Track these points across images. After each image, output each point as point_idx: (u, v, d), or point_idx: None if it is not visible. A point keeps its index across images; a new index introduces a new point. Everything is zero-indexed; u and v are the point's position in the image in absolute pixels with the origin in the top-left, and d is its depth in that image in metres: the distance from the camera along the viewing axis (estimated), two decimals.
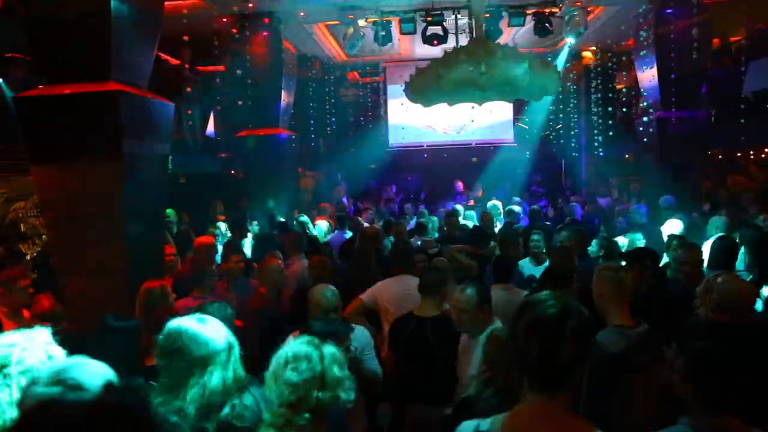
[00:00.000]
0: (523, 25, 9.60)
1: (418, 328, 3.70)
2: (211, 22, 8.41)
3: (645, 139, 9.52)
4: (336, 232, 8.34)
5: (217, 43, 8.16)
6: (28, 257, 7.10)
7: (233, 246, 6.44)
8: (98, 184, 4.59)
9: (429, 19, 9.42)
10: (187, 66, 9.45)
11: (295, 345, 2.04)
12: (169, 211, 7.62)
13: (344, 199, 12.05)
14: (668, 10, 8.74)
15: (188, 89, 8.90)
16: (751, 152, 9.07)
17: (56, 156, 4.59)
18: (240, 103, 9.13)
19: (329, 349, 2.05)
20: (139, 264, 4.76)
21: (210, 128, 11.12)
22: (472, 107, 12.44)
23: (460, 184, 13.86)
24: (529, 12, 9.42)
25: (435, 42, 9.41)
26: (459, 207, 9.96)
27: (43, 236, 8.09)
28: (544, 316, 1.59)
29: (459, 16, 9.37)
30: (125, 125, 4.59)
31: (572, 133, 14.09)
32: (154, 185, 5.20)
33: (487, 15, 8.83)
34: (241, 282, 5.30)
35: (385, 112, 14.74)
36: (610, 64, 12.73)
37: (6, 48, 7.74)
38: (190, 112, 8.83)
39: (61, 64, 4.52)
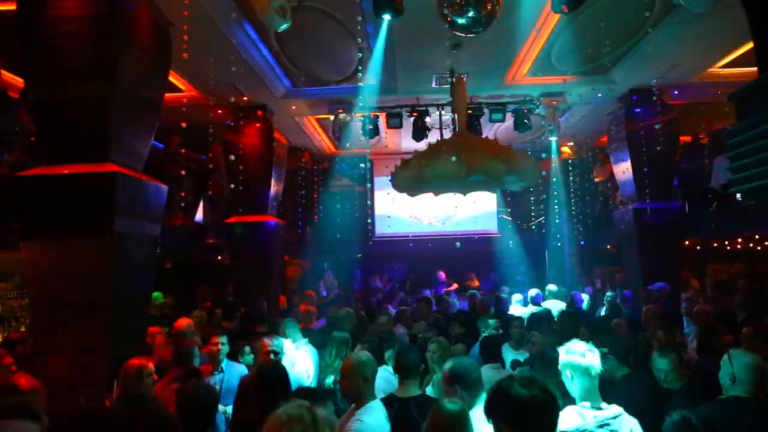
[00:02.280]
0: (503, 120, 10.16)
1: (402, 410, 3.66)
2: (206, 111, 8.81)
3: (623, 229, 9.83)
4: (320, 319, 8.29)
5: (212, 131, 8.50)
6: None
7: (217, 329, 6.39)
8: (88, 262, 4.65)
9: (415, 114, 9.96)
10: (182, 151, 9.76)
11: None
12: (156, 293, 7.59)
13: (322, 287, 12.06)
14: (637, 110, 9.36)
15: (182, 173, 9.13)
16: (726, 242, 9.38)
17: (48, 233, 4.68)
18: (232, 186, 9.36)
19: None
20: (121, 343, 4.72)
21: (199, 214, 11.28)
22: (455, 203, 13.00)
23: (442, 274, 14.00)
24: (508, 109, 10.01)
25: (421, 135, 9.88)
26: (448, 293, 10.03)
27: (20, 318, 7.96)
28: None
29: (443, 111, 9.90)
30: (119, 205, 4.73)
31: (555, 223, 14.45)
32: (143, 266, 5.26)
33: (470, 111, 9.37)
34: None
35: (372, 202, 15.12)
36: (587, 158, 13.35)
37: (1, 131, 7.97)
38: (183, 194, 9.00)
39: (63, 145, 4.72)
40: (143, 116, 5.25)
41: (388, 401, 3.77)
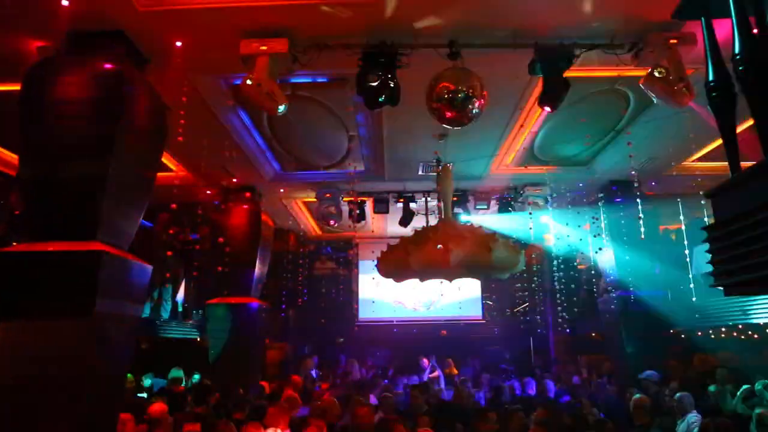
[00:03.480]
0: (488, 208, 10.38)
1: None
2: (196, 191, 8.90)
3: (608, 317, 9.83)
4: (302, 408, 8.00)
5: (200, 212, 8.55)
6: None
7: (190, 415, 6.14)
8: (66, 344, 4.50)
9: (401, 200, 10.15)
10: (171, 232, 9.75)
11: None
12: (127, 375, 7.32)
13: (313, 372, 11.70)
14: (617, 199, 9.63)
15: (168, 254, 9.08)
16: (711, 331, 9.39)
17: (26, 313, 4.55)
18: (218, 269, 9.29)
19: None
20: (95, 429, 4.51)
21: (180, 294, 11.10)
22: (440, 289, 12.98)
23: (425, 361, 13.71)
24: (493, 198, 10.26)
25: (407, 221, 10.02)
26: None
27: None
28: None
29: (429, 198, 10.11)
30: (102, 285, 4.65)
31: (539, 311, 14.42)
32: (123, 347, 5.12)
33: (455, 198, 9.58)
34: None
35: (356, 286, 15.04)
36: (570, 245, 13.51)
37: None
38: (168, 275, 8.90)
39: (50, 222, 4.70)
40: (134, 196, 5.29)
41: None
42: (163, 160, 8.03)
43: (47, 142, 4.85)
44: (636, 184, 8.92)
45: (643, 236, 9.03)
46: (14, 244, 5.72)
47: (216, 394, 8.31)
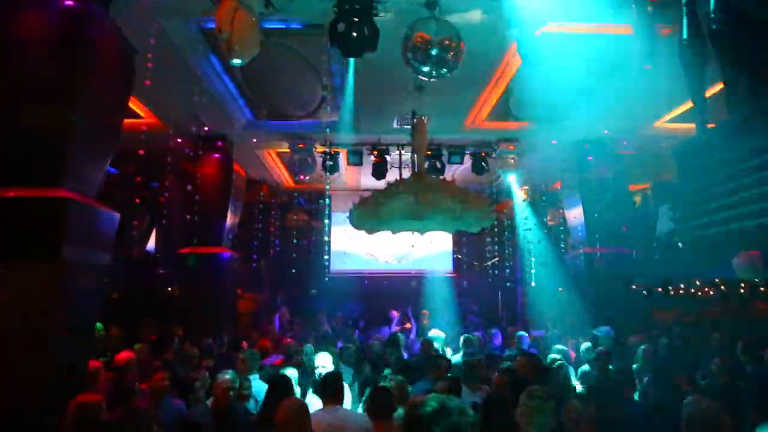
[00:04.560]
0: (462, 163, 10.41)
1: None
2: (165, 139, 8.69)
3: (574, 272, 10.10)
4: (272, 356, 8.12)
5: (169, 159, 8.38)
6: None
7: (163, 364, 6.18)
8: (34, 290, 4.45)
9: (375, 152, 10.09)
10: (137, 180, 9.57)
11: None
12: (97, 325, 7.28)
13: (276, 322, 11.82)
14: (589, 158, 9.75)
15: (136, 201, 8.93)
16: (670, 287, 9.75)
17: None
18: (189, 218, 9.20)
19: None
20: (65, 376, 4.51)
21: (150, 243, 11.00)
22: (412, 242, 13.09)
23: (394, 313, 13.94)
24: (467, 152, 10.27)
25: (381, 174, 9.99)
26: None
27: None
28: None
29: (403, 151, 10.07)
30: (69, 232, 4.58)
31: (507, 265, 14.71)
32: (91, 295, 5.08)
33: (429, 152, 9.56)
34: (166, 401, 5.04)
35: (329, 238, 15.08)
36: (542, 200, 13.73)
37: None
38: (136, 223, 8.78)
39: (13, 167, 4.56)
40: (100, 142, 5.15)
41: None
42: (132, 105, 7.79)
43: (7, 85, 4.64)
44: (608, 144, 9.05)
45: (612, 195, 9.23)
46: None
47: (186, 343, 8.36)
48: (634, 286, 9.99)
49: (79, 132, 4.70)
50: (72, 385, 4.47)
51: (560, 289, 13.36)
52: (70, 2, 4.75)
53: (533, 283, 13.38)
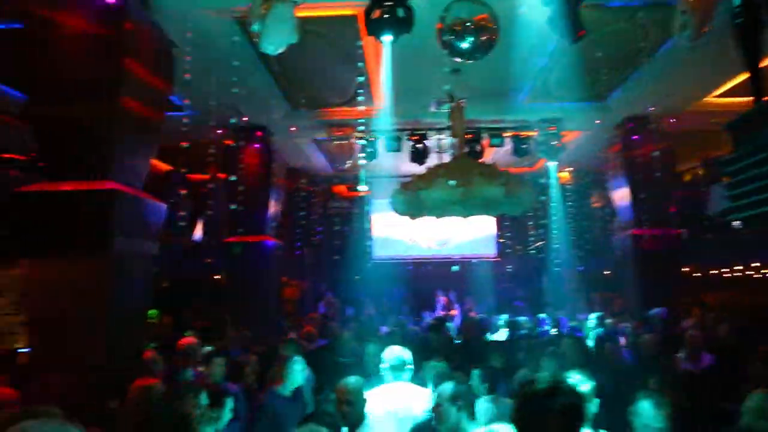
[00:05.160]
0: (502, 145, 10.24)
1: None
2: (206, 131, 8.86)
3: (621, 255, 9.85)
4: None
5: (211, 151, 8.55)
6: None
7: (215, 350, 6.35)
8: (86, 280, 4.65)
9: (414, 137, 10.04)
10: (182, 171, 9.81)
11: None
12: (151, 312, 7.56)
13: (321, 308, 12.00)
14: (634, 137, 9.44)
15: (182, 192, 9.17)
16: (723, 270, 9.39)
17: (47, 250, 4.68)
18: (233, 207, 9.38)
19: None
20: (119, 361, 4.70)
21: (197, 233, 11.28)
22: (454, 227, 12.99)
23: (442, 298, 13.91)
24: (507, 134, 10.10)
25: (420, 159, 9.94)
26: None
27: (16, 335, 7.90)
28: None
29: (442, 135, 9.98)
30: (118, 223, 4.74)
31: (553, 248, 14.46)
32: (140, 284, 5.26)
33: (469, 135, 9.44)
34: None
35: (370, 225, 15.16)
36: (585, 183, 13.40)
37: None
38: (182, 213, 9.02)
39: (63, 162, 4.75)
40: (144, 135, 5.29)
41: None
42: (172, 98, 7.96)
43: (56, 84, 4.82)
44: (653, 122, 8.73)
45: (659, 174, 8.92)
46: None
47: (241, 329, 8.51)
48: (685, 269, 9.67)
49: (125, 126, 4.84)
50: (128, 371, 4.65)
51: (606, 272, 13.08)
52: (110, 0, 4.87)
53: (581, 267, 13.13)
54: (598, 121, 9.55)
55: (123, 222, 4.84)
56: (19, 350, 7.31)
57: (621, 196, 9.88)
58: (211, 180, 10.89)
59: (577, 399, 1.74)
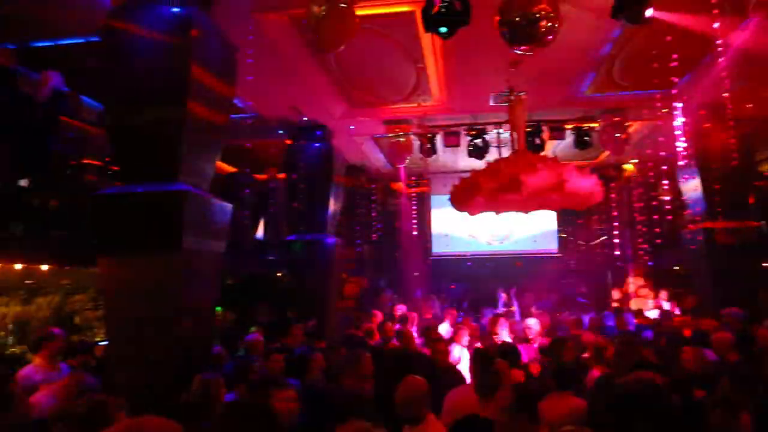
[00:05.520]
0: (563, 138, 9.98)
1: None
2: (267, 131, 9.10)
3: (693, 249, 9.40)
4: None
5: (273, 151, 8.77)
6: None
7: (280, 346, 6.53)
8: (158, 277, 4.85)
9: (472, 132, 9.93)
10: (247, 171, 10.10)
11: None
12: (216, 308, 7.80)
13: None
14: (706, 125, 8.97)
15: (246, 192, 9.45)
16: None
17: (122, 249, 4.92)
18: (296, 206, 9.58)
19: None
20: (188, 357, 4.88)
21: (259, 232, 11.59)
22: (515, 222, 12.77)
23: (503, 294, 13.70)
24: (568, 127, 9.83)
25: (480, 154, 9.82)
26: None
27: (95, 329, 8.38)
28: None
29: (501, 130, 9.83)
30: (187, 222, 4.92)
31: (618, 243, 13.99)
32: (209, 281, 5.44)
33: (528, 129, 9.25)
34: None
35: (429, 221, 15.12)
36: (651, 175, 12.85)
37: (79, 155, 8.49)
38: (247, 213, 9.30)
39: (136, 166, 4.98)
40: (211, 137, 5.47)
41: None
42: (235, 101, 8.20)
43: (126, 90, 5.04)
44: (728, 108, 8.25)
45: (735, 163, 8.46)
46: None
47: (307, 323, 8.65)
48: (765, 263, 9.12)
49: (192, 130, 5.02)
50: (197, 365, 4.83)
51: (676, 267, 12.52)
52: (176, 9, 5.06)
53: (649, 262, 12.63)
54: (666, 110, 9.14)
55: (191, 222, 5.02)
56: (98, 343, 7.76)
57: (692, 187, 9.43)
58: (273, 179, 11.15)
59: (667, 401, 1.68)
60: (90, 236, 5.36)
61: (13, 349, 6.98)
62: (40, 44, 6.91)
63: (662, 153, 10.04)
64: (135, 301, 4.87)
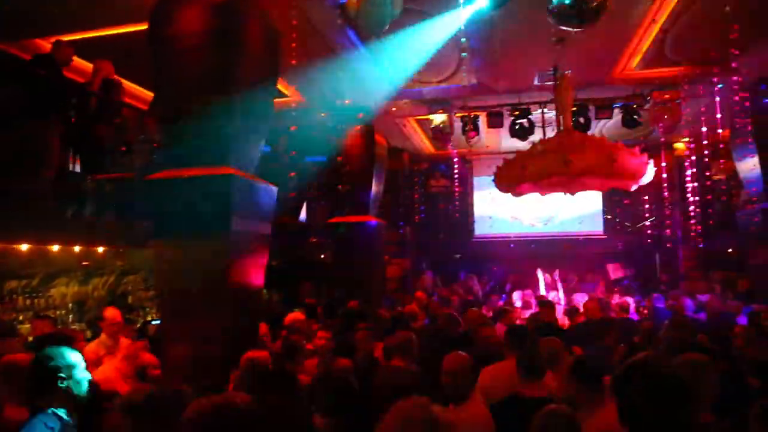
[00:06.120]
0: (610, 117, 9.70)
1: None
2: (310, 115, 9.16)
3: (748, 232, 9.05)
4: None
5: (316, 134, 8.84)
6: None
7: (324, 325, 6.63)
8: (207, 258, 4.99)
9: (516, 113, 9.74)
10: (293, 154, 10.21)
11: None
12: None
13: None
14: (766, 100, 8.56)
15: (291, 175, 9.57)
16: None
17: (173, 232, 5.07)
18: (336, 188, 9.67)
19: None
20: (237, 336, 5.03)
21: (302, 214, 11.73)
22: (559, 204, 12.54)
23: (546, 276, 13.51)
24: (616, 105, 9.54)
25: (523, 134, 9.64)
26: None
27: (147, 308, 8.71)
28: None
29: (546, 109, 9.61)
30: (234, 205, 5.03)
31: (667, 225, 13.58)
32: (256, 262, 5.56)
33: (574, 108, 9.02)
34: (329, 360, 5.38)
35: (472, 203, 15.01)
36: (705, 154, 12.38)
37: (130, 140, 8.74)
38: (293, 195, 9.43)
39: (184, 151, 5.10)
40: (256, 122, 5.54)
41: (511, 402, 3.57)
42: (279, 86, 8.27)
43: (175, 76, 5.16)
44: None
45: None
46: None
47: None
48: None
49: (238, 114, 5.10)
50: (244, 344, 4.96)
51: (729, 250, 12.08)
52: None
53: (701, 245, 12.21)
54: (721, 85, 8.76)
55: (239, 204, 5.13)
56: (151, 322, 8.07)
57: (749, 166, 9.03)
58: (316, 162, 11.24)
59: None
60: (142, 219, 5.55)
61: (73, 326, 7.32)
62: (91, 34, 7.10)
63: (718, 131, 9.66)
64: (185, 282, 5.02)
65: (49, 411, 2.58)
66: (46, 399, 2.62)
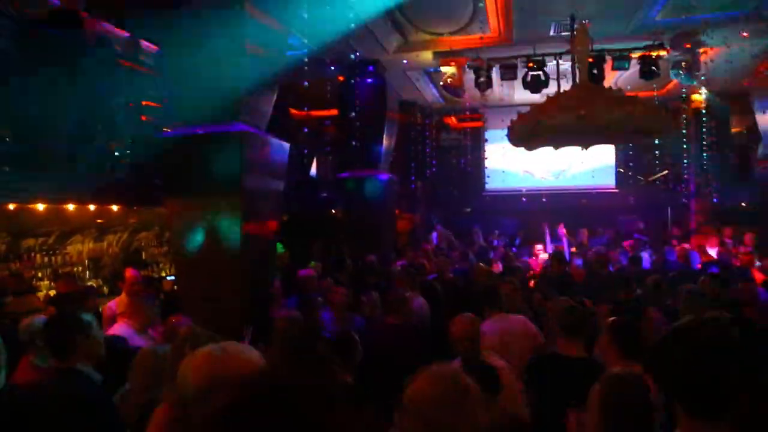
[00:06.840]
0: (627, 68, 9.43)
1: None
2: (322, 69, 8.95)
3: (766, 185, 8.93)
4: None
5: (328, 88, 8.68)
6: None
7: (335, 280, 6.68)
8: (220, 215, 5.00)
9: (530, 65, 9.49)
10: (304, 110, 10.10)
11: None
12: (278, 246, 8.01)
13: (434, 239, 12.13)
14: None
15: (304, 130, 9.48)
16: None
17: (186, 190, 5.06)
18: (354, 143, 9.57)
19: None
20: (251, 291, 5.08)
21: (312, 169, 11.68)
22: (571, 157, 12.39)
23: (562, 229, 13.44)
24: (634, 56, 9.25)
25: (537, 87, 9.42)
26: None
27: (160, 264, 8.81)
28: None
29: (561, 61, 9.35)
30: (247, 162, 5.00)
31: (681, 179, 13.41)
32: (268, 218, 5.57)
33: (590, 59, 8.76)
34: (348, 315, 5.44)
35: (484, 156, 14.86)
36: (724, 107, 12.09)
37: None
38: (306, 151, 9.37)
39: (196, 108, 5.03)
40: (267, 77, 5.44)
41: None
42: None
43: (186, 32, 5.02)
44: None
45: None
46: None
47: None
48: None
49: (249, 70, 5.00)
50: (258, 299, 5.03)
51: (743, 204, 11.95)
52: None
53: (714, 199, 12.09)
54: (745, 34, 8.45)
55: (251, 161, 5.09)
56: (166, 278, 8.18)
57: None
58: (327, 116, 11.12)
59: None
60: (155, 177, 5.54)
61: (90, 282, 7.43)
62: None
63: (736, 82, 9.41)
64: (199, 239, 5.04)
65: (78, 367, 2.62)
66: (70, 358, 2.65)
